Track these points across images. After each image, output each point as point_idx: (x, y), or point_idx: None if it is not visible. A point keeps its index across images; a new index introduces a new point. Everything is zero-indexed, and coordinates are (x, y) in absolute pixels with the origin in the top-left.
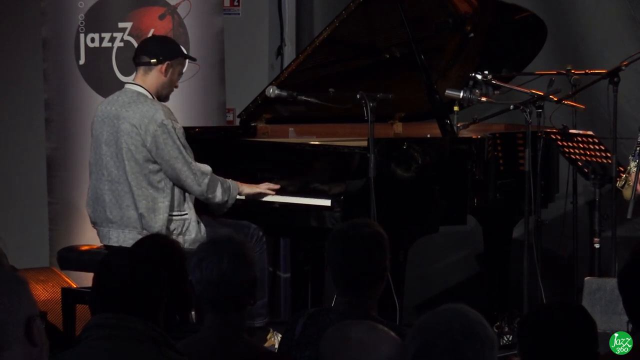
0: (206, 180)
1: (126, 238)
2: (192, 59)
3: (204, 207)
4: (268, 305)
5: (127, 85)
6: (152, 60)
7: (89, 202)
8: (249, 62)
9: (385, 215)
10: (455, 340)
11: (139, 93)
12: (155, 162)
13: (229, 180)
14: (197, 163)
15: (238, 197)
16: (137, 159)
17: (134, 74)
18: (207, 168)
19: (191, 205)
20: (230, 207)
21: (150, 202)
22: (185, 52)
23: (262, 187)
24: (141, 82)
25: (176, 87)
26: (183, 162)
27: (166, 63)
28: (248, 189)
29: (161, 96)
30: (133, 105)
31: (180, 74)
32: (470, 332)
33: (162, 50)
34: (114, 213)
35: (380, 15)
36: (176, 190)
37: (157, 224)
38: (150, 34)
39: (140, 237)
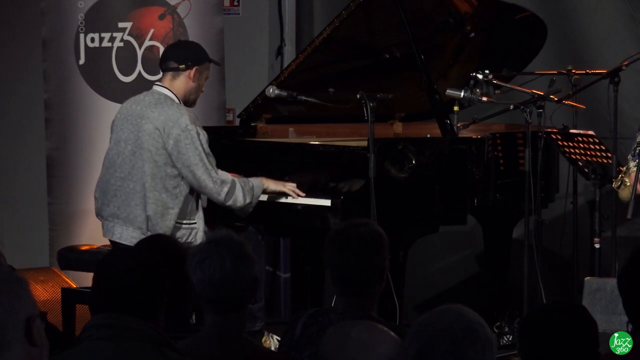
0: (225, 189)
1: (129, 236)
2: (217, 64)
3: (212, 211)
4: (265, 309)
5: (154, 87)
6: (180, 66)
7: (97, 194)
8: (249, 62)
9: (385, 215)
10: (456, 340)
11: (167, 96)
12: (174, 166)
13: (252, 179)
14: (219, 171)
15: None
16: (156, 161)
17: (162, 78)
18: (227, 176)
19: (201, 215)
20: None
21: (160, 207)
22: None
23: (288, 187)
24: (169, 87)
25: (202, 91)
26: (204, 169)
27: (194, 68)
28: (274, 185)
29: (188, 101)
30: (159, 106)
31: (207, 78)
32: (471, 332)
33: (190, 55)
34: (122, 209)
35: (380, 15)
36: (190, 199)
37: (163, 229)
38: (150, 34)
39: (143, 237)
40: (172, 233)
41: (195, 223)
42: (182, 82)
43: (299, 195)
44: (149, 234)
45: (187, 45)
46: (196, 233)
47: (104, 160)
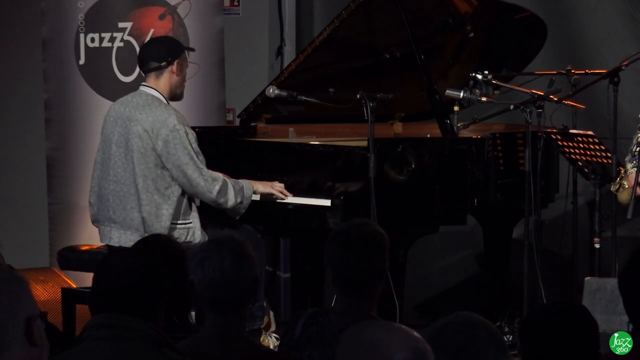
0: (217, 187)
1: (127, 239)
2: (190, 49)
3: (208, 211)
4: (265, 308)
5: (141, 88)
6: (162, 64)
7: (92, 199)
8: (249, 62)
9: (385, 215)
10: (469, 325)
11: (154, 97)
12: (164, 167)
13: (242, 181)
14: (209, 170)
15: (253, 197)
16: (147, 162)
17: (146, 79)
18: (218, 175)
19: (196, 214)
20: (246, 208)
21: (154, 208)
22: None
23: (276, 189)
24: (155, 86)
25: (185, 81)
26: (194, 168)
27: (175, 62)
28: (262, 187)
29: (176, 95)
30: (147, 108)
31: (187, 67)
32: (484, 323)
33: (167, 51)
34: (118, 213)
35: (380, 15)
36: (183, 199)
37: (159, 231)
38: (150, 34)
39: None
40: (168, 234)
41: (190, 222)
42: (167, 78)
43: (286, 196)
44: (146, 235)
45: (161, 41)
46: (193, 232)
47: (95, 164)
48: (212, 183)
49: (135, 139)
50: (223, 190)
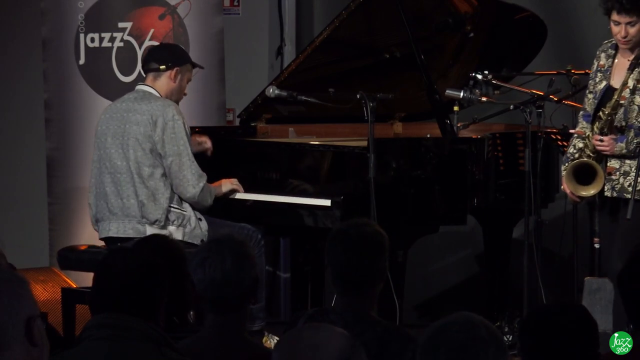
0: (201, 184)
1: (126, 228)
2: (200, 67)
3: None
4: (266, 309)
5: (137, 87)
6: (161, 67)
7: (90, 200)
8: (249, 62)
9: (385, 215)
10: (469, 325)
11: (151, 93)
12: (159, 154)
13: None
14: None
15: (240, 197)
16: (144, 149)
17: (145, 79)
18: (203, 173)
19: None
20: (230, 206)
21: (151, 191)
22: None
23: (234, 184)
24: (152, 85)
25: (185, 94)
26: (186, 158)
27: (175, 69)
28: (224, 188)
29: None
30: (145, 100)
31: (189, 80)
32: (484, 323)
33: (170, 56)
34: (115, 204)
35: (380, 15)
36: None
37: (157, 211)
38: (150, 34)
39: (139, 226)
40: (166, 216)
41: (185, 211)
42: (164, 83)
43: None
44: (144, 221)
45: (168, 47)
46: (189, 218)
47: (92, 164)
48: (198, 179)
49: (133, 127)
50: (205, 189)
